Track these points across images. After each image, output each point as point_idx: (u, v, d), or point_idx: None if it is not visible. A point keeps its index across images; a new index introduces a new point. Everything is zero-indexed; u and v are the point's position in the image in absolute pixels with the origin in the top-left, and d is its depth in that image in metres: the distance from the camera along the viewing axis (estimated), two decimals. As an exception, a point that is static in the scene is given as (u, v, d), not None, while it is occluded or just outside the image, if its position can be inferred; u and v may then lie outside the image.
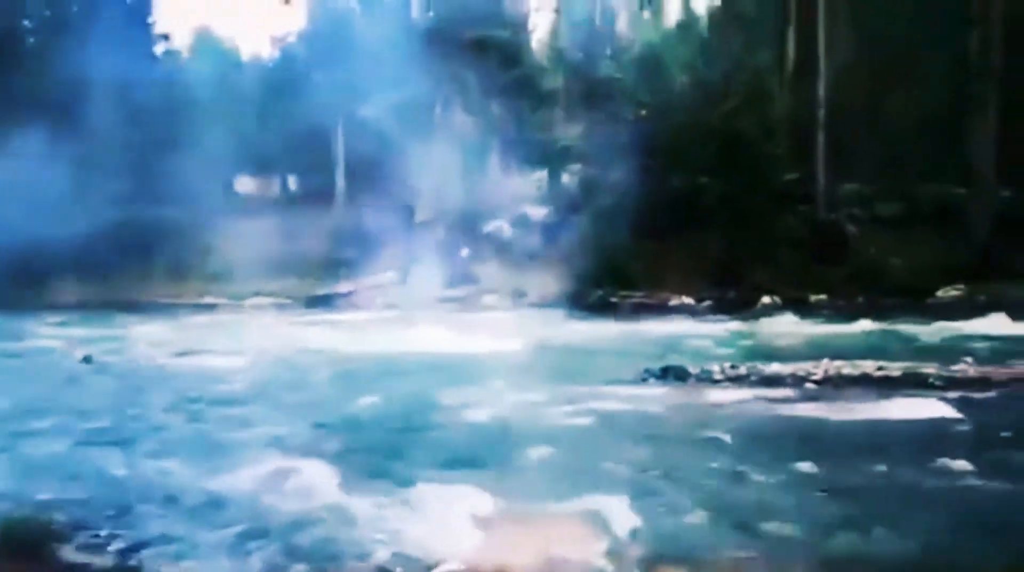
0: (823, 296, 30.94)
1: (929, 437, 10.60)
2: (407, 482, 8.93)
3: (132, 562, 6.39)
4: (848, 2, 37.97)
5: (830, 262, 32.49)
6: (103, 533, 7.38)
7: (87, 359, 19.61)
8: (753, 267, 32.19)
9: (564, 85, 39.76)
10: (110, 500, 8.26)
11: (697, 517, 7.29)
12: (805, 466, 9.00)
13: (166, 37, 46.72)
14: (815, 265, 32.44)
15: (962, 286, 30.86)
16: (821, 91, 36.12)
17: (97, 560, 6.06)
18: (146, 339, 23.10)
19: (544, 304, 30.66)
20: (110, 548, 6.88)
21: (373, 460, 9.88)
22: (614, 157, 35.57)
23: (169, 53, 46.67)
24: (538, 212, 37.75)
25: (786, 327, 23.81)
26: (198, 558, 6.80)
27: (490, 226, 37.41)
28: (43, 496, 8.25)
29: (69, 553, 6.07)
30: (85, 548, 6.59)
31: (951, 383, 14.03)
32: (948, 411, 12.01)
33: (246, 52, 50.95)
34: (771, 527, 6.97)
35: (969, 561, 6.16)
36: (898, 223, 33.79)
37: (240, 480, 8.98)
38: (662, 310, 29.26)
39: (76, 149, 31.98)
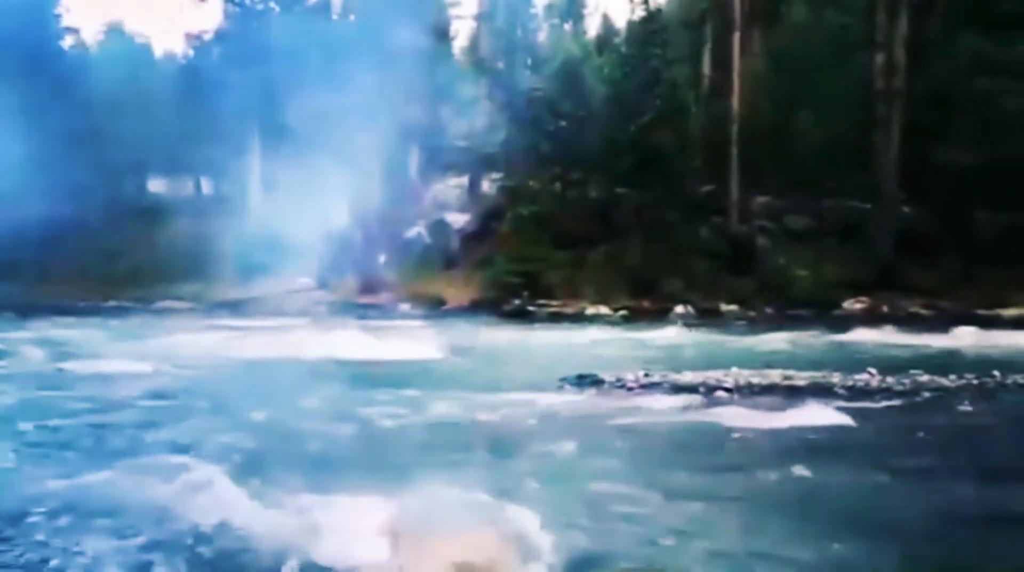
0: (734, 306, 31.72)
1: (808, 444, 10.99)
2: (318, 490, 8.79)
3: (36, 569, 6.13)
4: (762, 25, 39.18)
5: (741, 273, 33.38)
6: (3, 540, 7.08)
7: (-20, 363, 18.80)
8: (667, 277, 32.80)
9: (485, 93, 39.88)
10: (6, 508, 7.91)
11: (605, 524, 7.38)
12: (681, 475, 9.26)
13: (75, 30, 45.23)
14: (727, 276, 33.25)
15: (866, 298, 32.04)
16: (735, 107, 37.12)
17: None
18: (47, 343, 22.22)
19: (462, 311, 30.66)
20: (9, 557, 6.59)
21: (278, 469, 9.68)
22: (534, 166, 35.85)
23: (78, 47, 45.18)
24: (458, 219, 37.74)
25: (698, 336, 24.30)
26: (103, 565, 6.56)
27: (409, 232, 37.22)
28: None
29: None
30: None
31: (854, 392, 14.55)
32: (843, 419, 12.43)
33: (159, 49, 49.68)
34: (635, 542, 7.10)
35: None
36: (807, 236, 34.94)
37: (142, 489, 8.69)
38: (578, 319, 29.58)
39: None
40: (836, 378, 15.26)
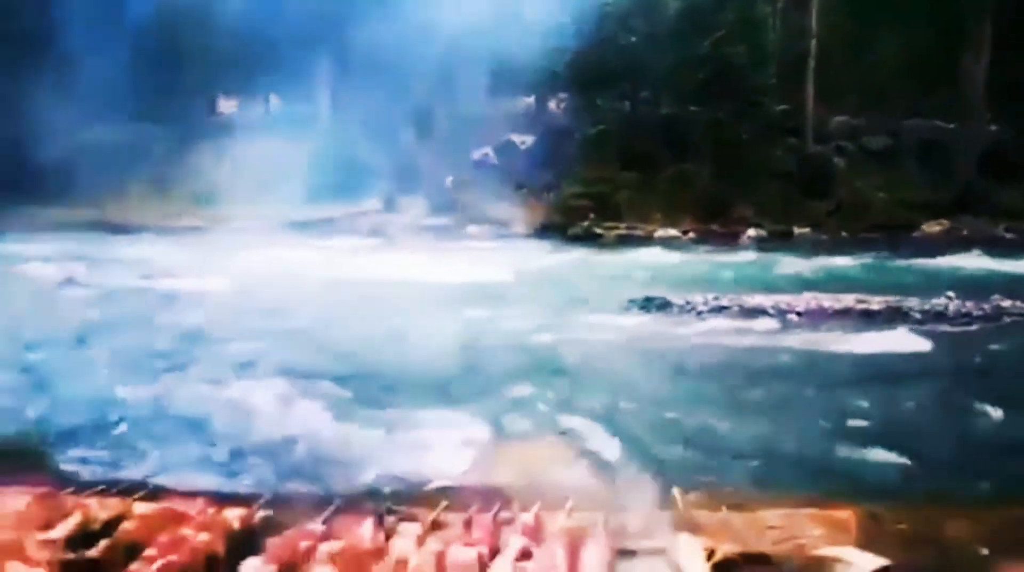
0: (807, 229, 30.98)
1: (881, 368, 10.83)
2: (393, 406, 9.05)
3: (124, 474, 6.47)
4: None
5: (816, 195, 32.47)
6: (97, 447, 7.49)
7: (68, 280, 19.55)
8: (739, 199, 32.13)
9: (553, 9, 38.95)
10: (102, 416, 8.35)
11: (670, 442, 7.45)
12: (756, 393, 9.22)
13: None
14: (801, 198, 32.41)
15: (945, 221, 30.99)
16: (813, 22, 35.60)
17: (90, 471, 6.15)
18: (128, 261, 22.94)
19: (529, 234, 30.59)
20: (102, 461, 6.97)
21: (359, 385, 9.97)
22: (602, 84, 35.12)
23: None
24: (525, 139, 37.36)
25: (770, 259, 23.92)
26: (191, 472, 6.90)
27: (476, 153, 37.04)
28: (33, 412, 8.31)
29: (65, 465, 6.15)
30: (79, 460, 6.68)
31: (931, 317, 14.27)
32: (919, 344, 12.23)
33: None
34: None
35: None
36: (885, 157, 33.73)
37: (227, 400, 9.07)
38: (647, 241, 29.27)
39: (56, 67, 31.24)
40: (912, 302, 14.92)
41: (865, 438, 7.45)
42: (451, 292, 17.56)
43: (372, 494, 6.49)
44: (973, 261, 21.81)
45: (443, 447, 7.67)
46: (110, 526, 3.08)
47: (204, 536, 3.05)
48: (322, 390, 9.50)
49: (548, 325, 13.83)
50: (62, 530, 2.97)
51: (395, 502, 4.08)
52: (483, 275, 20.13)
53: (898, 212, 30.94)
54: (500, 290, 18.28)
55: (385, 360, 11.39)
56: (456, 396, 9.44)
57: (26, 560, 2.73)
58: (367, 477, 7.00)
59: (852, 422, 8.19)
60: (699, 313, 15.17)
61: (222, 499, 3.94)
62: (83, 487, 3.63)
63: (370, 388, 9.96)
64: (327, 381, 9.85)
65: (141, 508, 3.33)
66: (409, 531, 3.20)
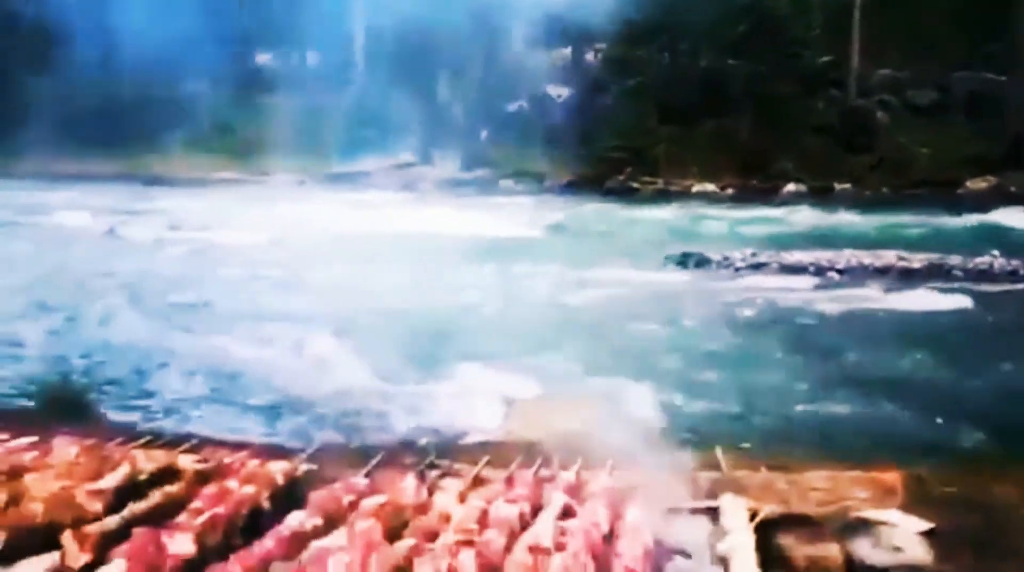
0: (848, 185, 30.46)
1: (922, 326, 10.67)
2: (430, 361, 9.10)
3: (167, 424, 6.59)
4: None
5: (858, 150, 31.84)
6: (141, 396, 7.64)
7: (110, 231, 19.82)
8: (778, 154, 31.62)
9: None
10: (145, 367, 8.49)
11: (708, 401, 7.41)
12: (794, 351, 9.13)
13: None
14: (842, 153, 31.81)
15: (992, 177, 30.30)
16: (859, -31, 34.63)
17: (135, 420, 6.26)
18: (166, 213, 23.18)
19: (564, 188, 30.41)
20: (148, 410, 7.09)
21: (394, 338, 10.02)
22: (640, 35, 34.50)
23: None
24: (561, 92, 36.92)
25: (809, 216, 23.58)
26: (229, 423, 7.00)
27: (511, 106, 36.70)
28: (79, 361, 8.47)
29: (109, 414, 6.27)
30: (123, 409, 6.80)
31: (974, 275, 14.01)
32: (961, 302, 12.02)
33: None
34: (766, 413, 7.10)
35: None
36: (931, 111, 32.91)
37: (267, 353, 9.18)
38: (684, 196, 28.97)
39: (94, 19, 31.33)
40: (955, 260, 14.65)
41: (906, 398, 7.36)
42: (484, 246, 17.54)
43: (409, 446, 6.57)
44: (1020, 219, 21.30)
45: (478, 401, 7.70)
46: (156, 478, 3.13)
47: (249, 489, 3.09)
48: (358, 343, 9.56)
49: (583, 280, 13.78)
50: (111, 481, 3.02)
51: (435, 456, 4.10)
52: (517, 229, 20.09)
53: (943, 168, 30.28)
54: (534, 245, 18.24)
55: (420, 314, 11.43)
56: (491, 351, 9.44)
57: (77, 510, 2.78)
58: (403, 430, 7.07)
59: (892, 381, 8.08)
60: (737, 270, 15.04)
61: (264, 452, 3.98)
62: (129, 438, 3.69)
63: (405, 341, 10.00)
64: (363, 334, 9.91)
65: (186, 460, 3.38)
66: (451, 487, 3.22)
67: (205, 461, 3.46)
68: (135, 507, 2.86)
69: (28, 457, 3.27)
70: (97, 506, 2.83)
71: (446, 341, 10.02)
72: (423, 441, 6.60)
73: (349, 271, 14.60)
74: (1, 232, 19.12)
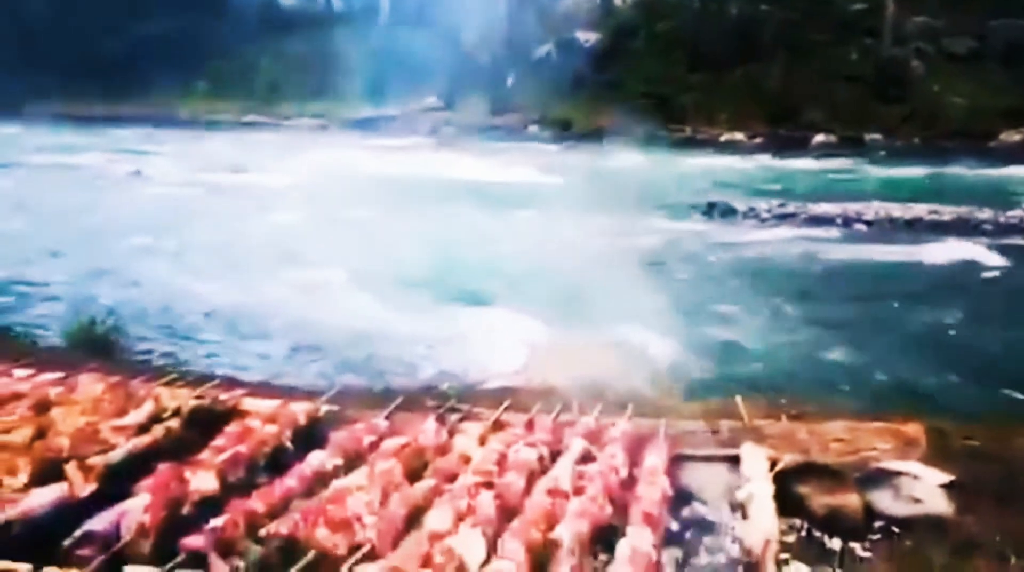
0: (879, 136, 29.91)
1: (949, 280, 10.51)
2: (452, 306, 9.12)
3: (191, 366, 6.66)
4: None
5: (890, 100, 31.20)
6: (165, 336, 7.72)
7: (137, 173, 19.91)
8: (809, 103, 31.07)
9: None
10: (170, 306, 8.57)
11: (730, 348, 7.38)
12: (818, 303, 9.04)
13: None
14: (874, 103, 31.19)
15: (1027, 129, 29.66)
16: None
17: (159, 361, 6.34)
18: (192, 155, 23.23)
19: (590, 135, 30.08)
20: (171, 352, 7.17)
21: (417, 282, 10.04)
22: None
23: None
24: (589, 37, 36.31)
25: (839, 166, 23.23)
26: (254, 366, 7.07)
27: (538, 51, 36.19)
28: (104, 300, 8.54)
29: (133, 352, 6.34)
30: (148, 350, 6.88)
31: (1005, 229, 13.77)
32: (991, 257, 11.81)
33: None
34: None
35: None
36: (967, 60, 32.10)
37: (291, 296, 9.23)
38: (712, 145, 28.60)
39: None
40: (986, 214, 14.41)
41: (928, 350, 7.30)
42: (508, 192, 17.46)
43: (430, 389, 6.62)
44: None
45: (499, 346, 7.72)
46: (179, 416, 3.16)
47: (271, 428, 3.12)
48: (380, 287, 9.59)
49: (606, 229, 13.69)
50: (135, 418, 3.06)
51: (455, 400, 4.12)
52: (541, 176, 19.96)
53: (977, 119, 29.61)
54: (558, 191, 18.11)
55: (443, 258, 11.43)
56: (513, 296, 9.44)
57: (102, 445, 2.83)
58: (425, 374, 7.11)
59: (915, 333, 8.01)
60: (763, 220, 14.89)
61: (287, 392, 4.02)
62: (153, 376, 3.73)
63: (428, 286, 10.02)
64: (385, 278, 9.93)
65: (209, 399, 3.41)
66: (471, 430, 3.23)
67: (229, 400, 3.49)
68: (137, 441, 2.89)
69: (54, 392, 3.31)
70: (121, 442, 2.88)
71: (469, 287, 10.03)
72: (444, 385, 6.65)
73: (372, 215, 14.61)
74: (29, 173, 19.27)
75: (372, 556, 2.38)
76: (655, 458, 3.00)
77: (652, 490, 2.74)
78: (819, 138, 29.77)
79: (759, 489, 2.83)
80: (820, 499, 3.10)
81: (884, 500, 3.14)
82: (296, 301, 9.09)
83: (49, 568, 2.26)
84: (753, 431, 3.36)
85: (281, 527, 2.45)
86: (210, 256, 11.16)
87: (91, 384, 3.38)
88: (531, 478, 2.86)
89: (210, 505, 2.68)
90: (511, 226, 13.85)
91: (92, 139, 26.10)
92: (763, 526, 2.60)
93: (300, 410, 3.38)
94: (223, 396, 3.54)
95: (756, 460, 3.03)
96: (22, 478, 2.60)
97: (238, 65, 36.73)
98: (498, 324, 8.45)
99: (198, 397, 3.43)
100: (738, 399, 3.56)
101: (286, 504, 2.70)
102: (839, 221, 14.49)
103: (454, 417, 3.50)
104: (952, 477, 3.29)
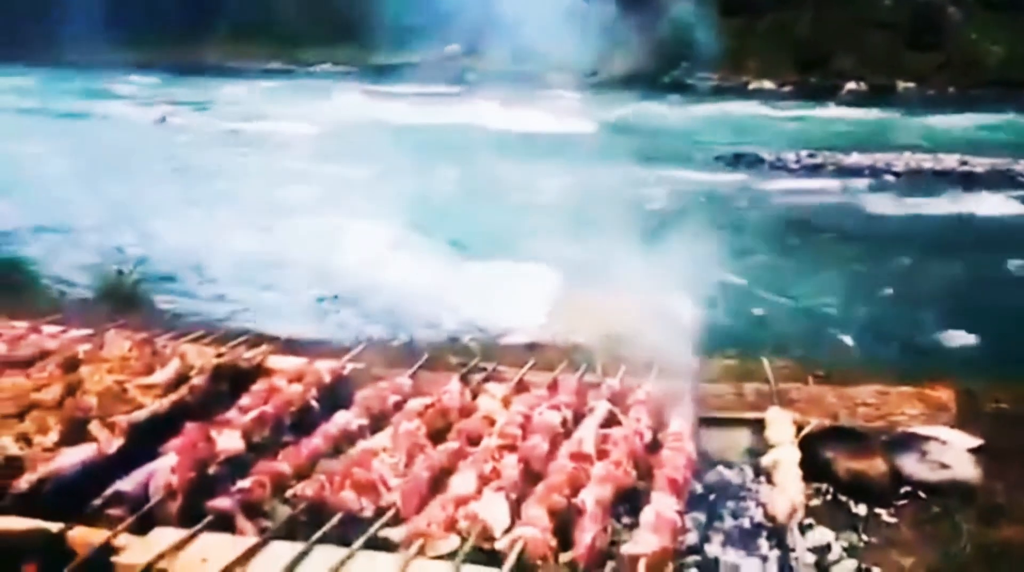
0: (912, 84, 29.23)
1: (981, 233, 10.31)
2: (475, 257, 9.10)
3: (213, 316, 6.70)
4: None
5: (924, 47, 30.42)
6: (190, 288, 7.78)
7: (162, 120, 19.91)
8: (840, 50, 30.36)
9: None
10: (195, 257, 8.61)
11: (756, 305, 7.32)
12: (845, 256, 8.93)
13: None
14: (907, 50, 30.43)
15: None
16: None
17: (184, 315, 6.38)
18: (216, 102, 23.17)
19: (615, 83, 29.61)
20: (194, 302, 7.22)
21: (440, 233, 10.02)
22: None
23: None
24: (615, -18, 35.61)
25: (869, 115, 22.77)
26: (277, 315, 7.10)
27: (563, -4, 35.55)
28: (130, 251, 8.60)
29: (160, 304, 6.38)
30: (174, 303, 6.92)
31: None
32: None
33: None
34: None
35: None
36: (1004, 7, 31.16)
37: (316, 246, 9.24)
38: (740, 93, 28.08)
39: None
40: (1021, 166, 14.11)
41: (955, 308, 7.20)
42: (533, 142, 17.31)
43: (453, 342, 6.64)
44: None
45: (522, 299, 7.71)
46: (206, 373, 3.17)
47: (296, 387, 3.13)
48: (404, 237, 9.58)
49: (631, 179, 13.56)
50: (162, 376, 3.08)
51: (480, 358, 4.11)
52: (565, 125, 19.75)
53: (1014, 68, 28.82)
54: (583, 141, 17.91)
55: (466, 209, 11.39)
56: (535, 248, 9.40)
57: (130, 404, 2.85)
58: (447, 325, 7.12)
59: (943, 290, 7.90)
60: (791, 170, 14.68)
61: (311, 347, 4.02)
62: (179, 333, 3.75)
63: (451, 237, 10.01)
64: (410, 229, 9.92)
65: (235, 356, 3.42)
66: (495, 390, 3.23)
67: (254, 357, 3.50)
68: (163, 401, 2.91)
69: (82, 349, 3.34)
70: (149, 401, 2.90)
71: (491, 238, 9.99)
72: (467, 339, 6.66)
73: (395, 165, 14.54)
74: (54, 122, 19.30)
75: (397, 519, 2.39)
76: (680, 422, 2.98)
77: (677, 455, 2.72)
78: (850, 86, 29.15)
79: (785, 455, 2.81)
80: (846, 463, 3.08)
81: (911, 465, 3.12)
82: (319, 252, 9.10)
83: (79, 527, 2.29)
84: (780, 394, 3.33)
85: (307, 489, 2.47)
86: (234, 205, 11.17)
87: (118, 341, 3.40)
88: (555, 441, 2.86)
89: (236, 465, 2.70)
90: (534, 176, 13.74)
91: (116, 87, 26.09)
92: (789, 493, 2.59)
93: (325, 368, 3.38)
94: (248, 353, 3.55)
95: (782, 425, 3.01)
96: (52, 437, 2.62)
97: (261, 11, 36.39)
98: (521, 277, 8.43)
99: (222, 355, 3.44)
100: (765, 361, 3.52)
101: (312, 465, 2.72)
102: (868, 172, 14.26)
103: (478, 377, 3.50)
104: (980, 441, 3.26)
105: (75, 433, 2.64)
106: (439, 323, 7.21)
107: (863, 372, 3.97)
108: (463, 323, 7.11)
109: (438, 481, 2.61)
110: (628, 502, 2.67)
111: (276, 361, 3.52)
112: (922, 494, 3.01)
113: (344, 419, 2.97)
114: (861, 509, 2.94)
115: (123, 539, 2.23)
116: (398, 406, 3.14)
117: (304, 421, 3.05)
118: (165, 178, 12.70)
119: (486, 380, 3.47)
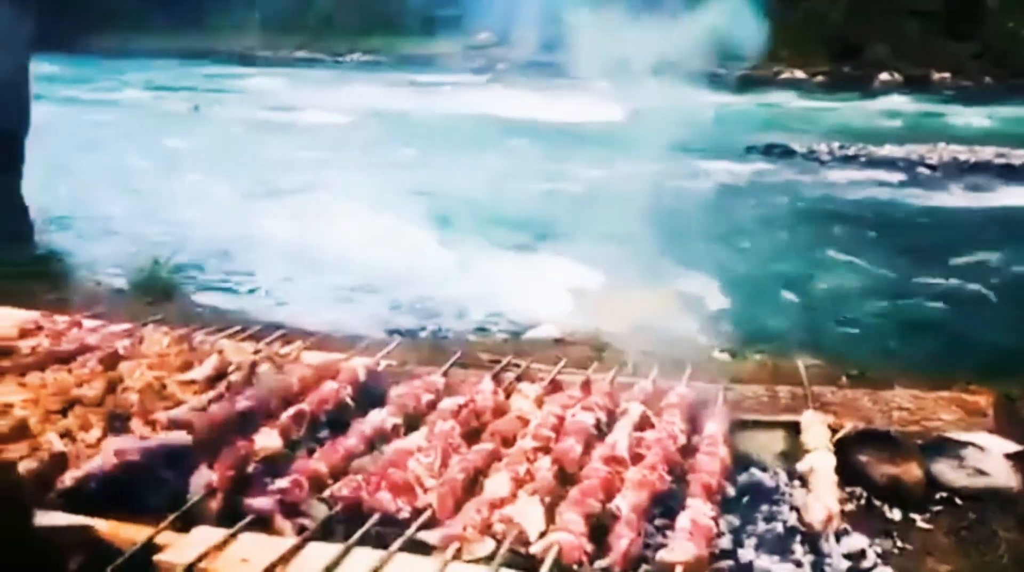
0: (947, 74, 28.78)
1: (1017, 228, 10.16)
2: (506, 248, 9.11)
3: (246, 306, 6.76)
4: None
5: (960, 36, 29.93)
6: (220, 278, 7.85)
7: (195, 109, 20.07)
8: (873, 39, 29.95)
9: None
10: (228, 249, 8.69)
11: (787, 303, 7.26)
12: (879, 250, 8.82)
13: None
14: (942, 39, 29.95)
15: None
16: None
17: (218, 308, 6.45)
18: (248, 92, 23.31)
19: (645, 71, 29.40)
20: (228, 293, 7.29)
21: (469, 224, 10.03)
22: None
23: None
24: (646, -30, 35.32)
25: (903, 106, 22.46)
26: (309, 305, 7.16)
27: (593, -16, 35.32)
28: (163, 239, 8.69)
29: (195, 296, 6.46)
30: (205, 291, 7.00)
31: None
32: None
33: None
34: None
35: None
36: (1044, -7, 30.61)
37: (346, 237, 9.29)
38: (770, 83, 27.78)
39: None
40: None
41: (1001, 307, 7.11)
42: (563, 131, 17.27)
43: (481, 332, 6.66)
44: None
45: (551, 290, 7.72)
46: (244, 371, 3.21)
47: (332, 385, 3.16)
48: (433, 227, 9.61)
49: (661, 170, 13.47)
50: (200, 372, 3.12)
51: (511, 356, 4.12)
52: (595, 114, 19.64)
53: (1053, 56, 28.33)
54: (612, 130, 17.79)
55: (495, 200, 11.39)
56: (565, 240, 9.39)
57: (170, 400, 2.89)
58: (475, 316, 7.15)
59: (985, 286, 7.80)
60: (822, 162, 14.55)
61: (345, 342, 4.05)
62: (217, 329, 3.79)
63: (480, 226, 10.01)
64: (439, 218, 9.94)
65: (271, 352, 3.46)
66: (528, 390, 3.24)
67: (290, 353, 3.54)
68: (202, 398, 2.95)
69: (122, 345, 3.39)
70: (188, 397, 2.94)
71: (522, 229, 10.00)
72: (496, 331, 6.68)
73: (425, 154, 14.57)
74: (88, 109, 19.50)
75: (433, 521, 2.41)
76: (715, 425, 2.97)
77: (712, 460, 2.72)
78: (883, 76, 28.75)
79: (821, 461, 2.80)
80: (880, 468, 3.06)
81: (947, 471, 3.08)
82: (348, 241, 9.15)
83: (122, 524, 2.33)
84: (814, 397, 3.31)
85: (344, 489, 2.50)
86: (264, 195, 11.25)
87: (157, 337, 3.45)
88: (588, 443, 2.86)
89: (271, 463, 2.74)
90: (565, 166, 13.73)
91: (146, 76, 26.29)
92: (825, 500, 2.58)
93: (360, 365, 3.41)
94: (283, 349, 3.59)
95: (818, 429, 3.00)
96: (95, 433, 2.67)
97: (292, 0, 36.51)
98: (550, 268, 8.44)
99: (259, 351, 3.47)
100: (799, 363, 3.50)
101: (347, 463, 2.74)
102: (902, 164, 14.09)
103: (510, 376, 3.51)
104: (1019, 448, 3.22)
105: (116, 430, 2.68)
106: (465, 313, 7.24)
107: (898, 373, 3.93)
108: (489, 313, 7.13)
109: (472, 482, 2.62)
110: (661, 504, 2.67)
111: (310, 357, 3.55)
112: (959, 501, 2.98)
113: (379, 418, 2.99)
114: (896, 515, 2.92)
115: (165, 537, 2.27)
116: (431, 405, 3.16)
117: (339, 419, 3.08)
118: (198, 167, 12.81)
119: (518, 379, 3.48)
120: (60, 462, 2.52)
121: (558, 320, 6.68)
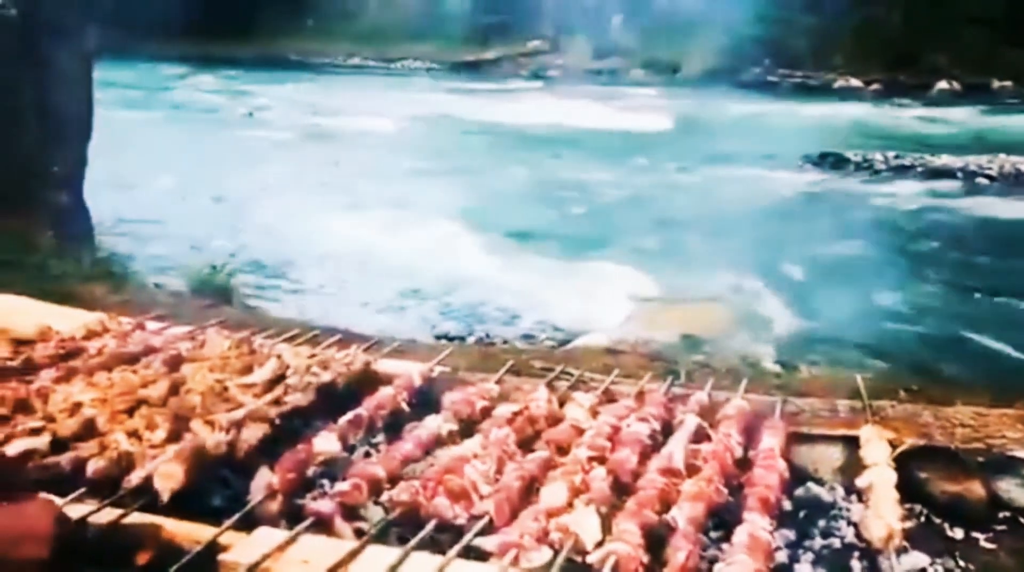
0: (1008, 83, 28.14)
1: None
2: (553, 255, 9.12)
3: (300, 307, 6.87)
4: None
5: (1020, 44, 29.25)
6: (274, 283, 7.98)
7: (250, 114, 20.43)
8: (930, 47, 29.41)
9: None
10: (281, 253, 8.84)
11: (839, 311, 7.15)
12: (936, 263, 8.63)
13: None
14: (1002, 46, 29.30)
15: None
16: None
17: (270, 307, 6.56)
18: (301, 98, 23.64)
19: (698, 80, 29.24)
20: (282, 298, 7.41)
21: (522, 232, 10.06)
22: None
23: None
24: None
25: (962, 115, 22.02)
26: (359, 312, 7.25)
27: (645, -8, 35.21)
28: (218, 244, 8.86)
29: (251, 299, 6.58)
30: (260, 296, 7.13)
31: None
32: None
33: None
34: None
35: None
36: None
37: (398, 242, 9.39)
38: (825, 92, 27.43)
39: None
40: None
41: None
42: (614, 139, 17.24)
43: (530, 339, 6.68)
44: None
45: (603, 298, 7.72)
46: (301, 374, 3.26)
47: (388, 390, 3.19)
48: (484, 234, 9.66)
49: (713, 178, 13.42)
50: (260, 376, 3.18)
51: (560, 360, 4.13)
52: (645, 122, 19.61)
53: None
54: (662, 139, 17.78)
55: (545, 207, 11.41)
56: (615, 247, 9.38)
57: (231, 403, 2.95)
58: (525, 323, 7.17)
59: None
60: (877, 172, 14.33)
61: (398, 349, 4.08)
62: (275, 332, 3.85)
63: (530, 234, 10.03)
64: (489, 225, 9.99)
65: (327, 356, 3.51)
66: (582, 399, 3.24)
67: (344, 358, 3.58)
68: (261, 402, 2.99)
69: (184, 347, 3.46)
70: (249, 400, 2.99)
71: (572, 236, 10.01)
72: (543, 338, 6.69)
73: (476, 161, 14.65)
74: (145, 114, 19.93)
75: (490, 528, 2.42)
76: (771, 439, 2.95)
77: (769, 474, 2.70)
78: (941, 85, 28.21)
79: (881, 476, 2.76)
80: (942, 485, 3.00)
81: (1011, 489, 3.02)
82: (399, 247, 9.24)
83: (187, 523, 2.38)
84: (872, 412, 3.26)
85: (402, 494, 2.52)
86: (317, 200, 11.41)
87: (218, 340, 3.52)
88: (643, 453, 2.86)
89: (329, 466, 2.78)
90: (614, 173, 13.70)
91: (200, 79, 26.80)
92: (886, 518, 2.54)
93: (415, 371, 3.44)
94: (339, 354, 3.63)
95: (877, 445, 2.95)
96: (160, 434, 2.73)
97: (344, 6, 36.97)
98: (602, 275, 8.44)
99: (315, 355, 3.52)
100: (858, 377, 3.45)
101: (404, 468, 2.77)
102: (960, 175, 13.82)
103: (563, 384, 3.51)
104: (1086, 468, 3.14)
105: (180, 432, 2.74)
106: (516, 320, 7.27)
107: (960, 387, 3.86)
108: (539, 322, 7.15)
109: (527, 490, 2.63)
110: (716, 517, 2.66)
111: (366, 360, 3.59)
112: (1022, 520, 2.92)
113: (435, 423, 3.02)
114: (958, 533, 2.86)
115: (228, 537, 2.31)
116: (485, 412, 3.17)
117: (395, 424, 3.12)
118: (253, 172, 13.04)
119: (572, 387, 3.48)
120: (128, 461, 2.58)
121: (607, 329, 6.68)
